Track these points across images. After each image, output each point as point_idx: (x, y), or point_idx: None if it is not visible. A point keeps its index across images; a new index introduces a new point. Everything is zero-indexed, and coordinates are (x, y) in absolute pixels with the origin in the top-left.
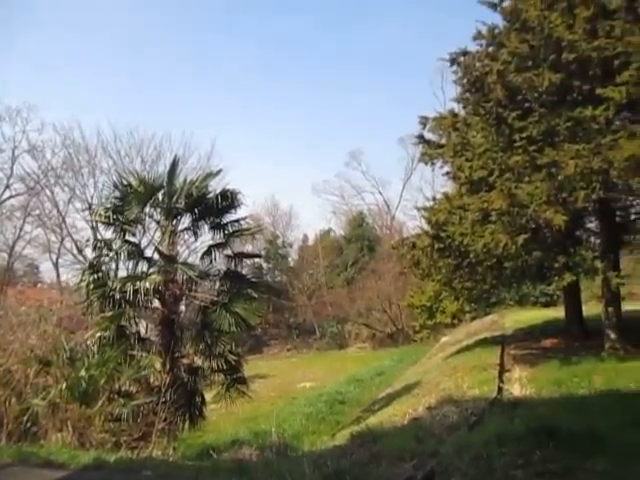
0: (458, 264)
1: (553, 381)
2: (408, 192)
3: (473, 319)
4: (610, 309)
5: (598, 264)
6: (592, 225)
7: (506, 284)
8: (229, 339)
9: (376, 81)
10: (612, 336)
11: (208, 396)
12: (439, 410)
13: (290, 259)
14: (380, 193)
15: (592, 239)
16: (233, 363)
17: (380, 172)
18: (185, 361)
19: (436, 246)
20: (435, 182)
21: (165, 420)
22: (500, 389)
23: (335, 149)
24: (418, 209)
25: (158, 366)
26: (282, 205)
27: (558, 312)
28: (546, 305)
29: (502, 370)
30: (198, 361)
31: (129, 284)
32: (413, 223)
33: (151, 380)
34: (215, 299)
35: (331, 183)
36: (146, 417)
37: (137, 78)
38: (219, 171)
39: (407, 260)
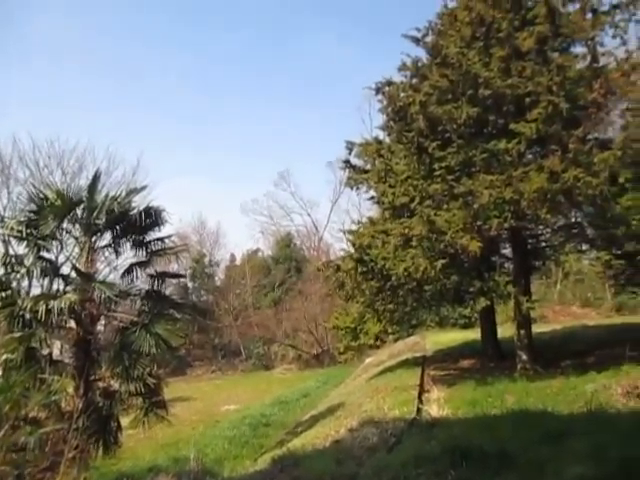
0: (381, 287)
1: (469, 401)
2: (336, 214)
3: (396, 340)
4: (522, 332)
5: (511, 289)
6: (507, 251)
7: (426, 306)
8: (149, 361)
9: (308, 104)
10: (523, 357)
11: (125, 421)
12: (360, 432)
13: (217, 278)
14: (308, 214)
15: (507, 265)
16: (152, 386)
17: (309, 194)
18: (101, 384)
19: (360, 269)
20: (362, 205)
21: (77, 448)
22: (419, 410)
23: (265, 168)
24: (344, 232)
25: (71, 390)
26: (210, 223)
27: (476, 333)
28: (465, 327)
29: (422, 391)
30: (115, 384)
31: (41, 303)
32: (340, 245)
33: (63, 405)
34: (135, 319)
35: (260, 203)
36: (55, 445)
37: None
38: (143, 187)
39: (332, 282)
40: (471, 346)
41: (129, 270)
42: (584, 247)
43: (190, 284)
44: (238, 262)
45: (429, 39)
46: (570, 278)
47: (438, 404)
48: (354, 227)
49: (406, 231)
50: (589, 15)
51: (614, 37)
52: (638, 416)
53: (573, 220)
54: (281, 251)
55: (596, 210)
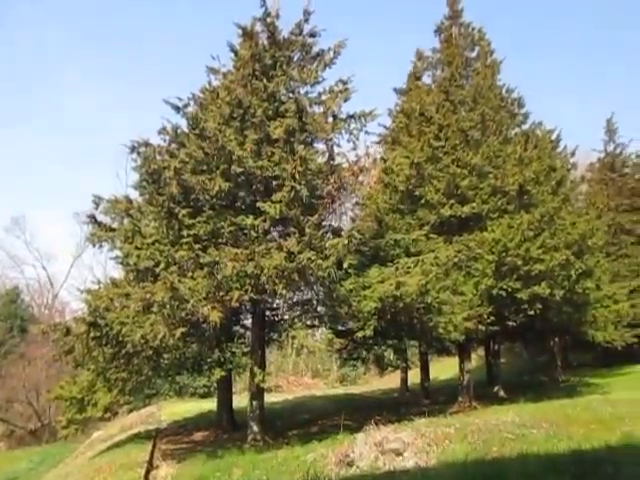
0: (115, 353)
1: (197, 477)
2: (78, 270)
3: (131, 411)
4: (255, 402)
5: (247, 360)
6: (248, 322)
7: (163, 375)
8: None
9: (58, 149)
10: (254, 428)
11: None
12: None
13: None
14: (44, 268)
15: (248, 334)
16: None
17: (48, 244)
18: None
19: (93, 333)
20: (108, 264)
21: None
22: None
23: None
24: (81, 291)
25: None
26: None
27: (214, 403)
28: (204, 396)
29: (149, 468)
30: None
31: None
32: (78, 304)
33: None
34: None
35: None
36: None
37: None
38: None
39: (60, 347)
40: (207, 417)
41: None
42: (316, 322)
43: None
44: None
45: (190, 109)
46: (304, 350)
47: None
48: (94, 287)
49: (148, 296)
50: (330, 119)
51: (348, 141)
52: None
53: (308, 297)
54: (4, 307)
55: (325, 290)
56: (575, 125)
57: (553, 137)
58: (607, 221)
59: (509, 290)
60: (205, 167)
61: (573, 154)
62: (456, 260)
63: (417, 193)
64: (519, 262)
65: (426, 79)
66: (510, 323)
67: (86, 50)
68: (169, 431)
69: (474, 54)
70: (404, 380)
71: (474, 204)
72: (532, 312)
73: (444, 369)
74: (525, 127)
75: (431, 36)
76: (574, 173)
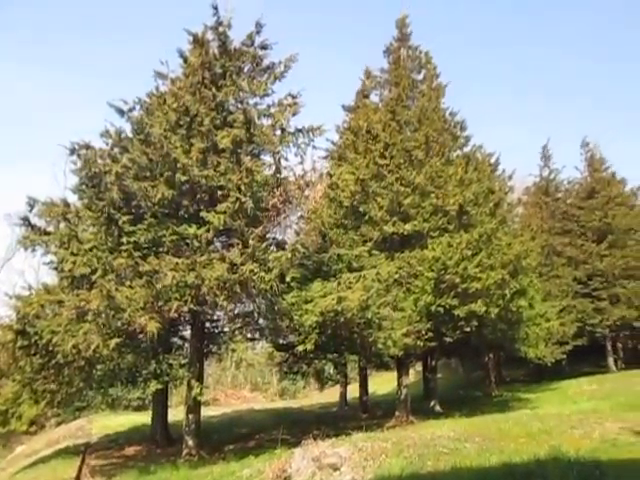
0: (44, 364)
1: None
2: (7, 274)
3: (59, 425)
4: (191, 416)
5: (184, 372)
6: (187, 333)
7: (96, 387)
8: None
9: None
10: (190, 443)
11: None
12: None
13: None
14: None
15: (186, 346)
16: None
17: None
18: None
19: (20, 342)
20: (41, 269)
21: None
22: None
23: None
24: (10, 297)
25: None
26: None
27: (149, 417)
28: (139, 409)
29: None
30: None
31: None
32: (6, 311)
33: None
34: None
35: None
36: None
37: None
38: None
39: None
40: (141, 431)
41: None
42: (257, 335)
43: None
44: None
45: (135, 114)
46: (243, 363)
47: None
48: (24, 292)
49: (82, 304)
50: (278, 132)
51: (296, 155)
52: None
53: (249, 309)
54: None
55: (267, 303)
56: (513, 150)
57: (492, 160)
58: (540, 243)
59: (447, 307)
60: (148, 173)
61: (510, 177)
62: (397, 276)
63: (361, 209)
64: (457, 280)
65: (374, 98)
66: (447, 339)
67: (24, 42)
68: (99, 446)
69: (420, 76)
70: (343, 394)
71: (416, 222)
72: (468, 329)
73: (383, 384)
74: (466, 150)
75: (380, 56)
76: (511, 196)
